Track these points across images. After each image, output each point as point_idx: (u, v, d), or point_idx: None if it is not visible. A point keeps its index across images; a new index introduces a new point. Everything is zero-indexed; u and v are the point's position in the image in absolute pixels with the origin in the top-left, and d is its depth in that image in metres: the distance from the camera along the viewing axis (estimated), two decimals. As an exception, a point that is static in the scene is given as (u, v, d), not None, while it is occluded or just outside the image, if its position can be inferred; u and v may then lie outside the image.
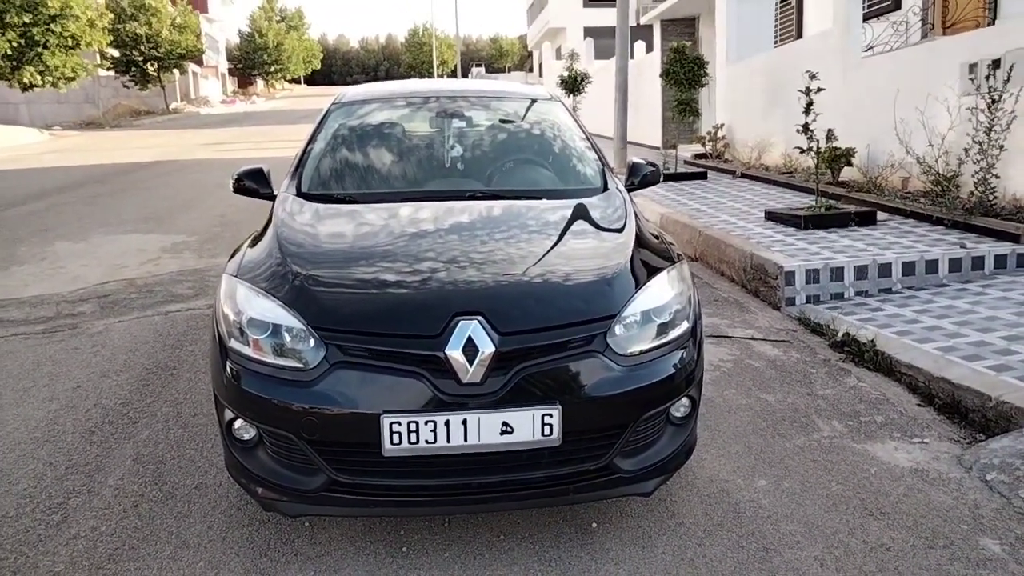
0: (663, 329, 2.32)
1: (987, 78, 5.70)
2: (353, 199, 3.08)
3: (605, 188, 3.20)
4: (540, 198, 3.06)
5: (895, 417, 3.25)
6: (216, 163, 14.24)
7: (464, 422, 2.07)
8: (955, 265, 5.01)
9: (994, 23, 7.83)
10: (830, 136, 6.34)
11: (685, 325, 2.38)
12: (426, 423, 2.06)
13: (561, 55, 18.62)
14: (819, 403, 3.41)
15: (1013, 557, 2.26)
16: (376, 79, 64.92)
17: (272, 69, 61.62)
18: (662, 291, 2.40)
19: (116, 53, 33.90)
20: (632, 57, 15.17)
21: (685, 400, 2.38)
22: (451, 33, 58.15)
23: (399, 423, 2.06)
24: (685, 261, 2.67)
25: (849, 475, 2.77)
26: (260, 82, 63.57)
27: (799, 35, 11.86)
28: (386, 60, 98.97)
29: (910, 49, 7.92)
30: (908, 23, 8.87)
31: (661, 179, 3.59)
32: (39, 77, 24.27)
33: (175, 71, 37.77)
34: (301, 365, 2.15)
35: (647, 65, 15.87)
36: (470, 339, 2.10)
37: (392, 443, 2.06)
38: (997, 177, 5.67)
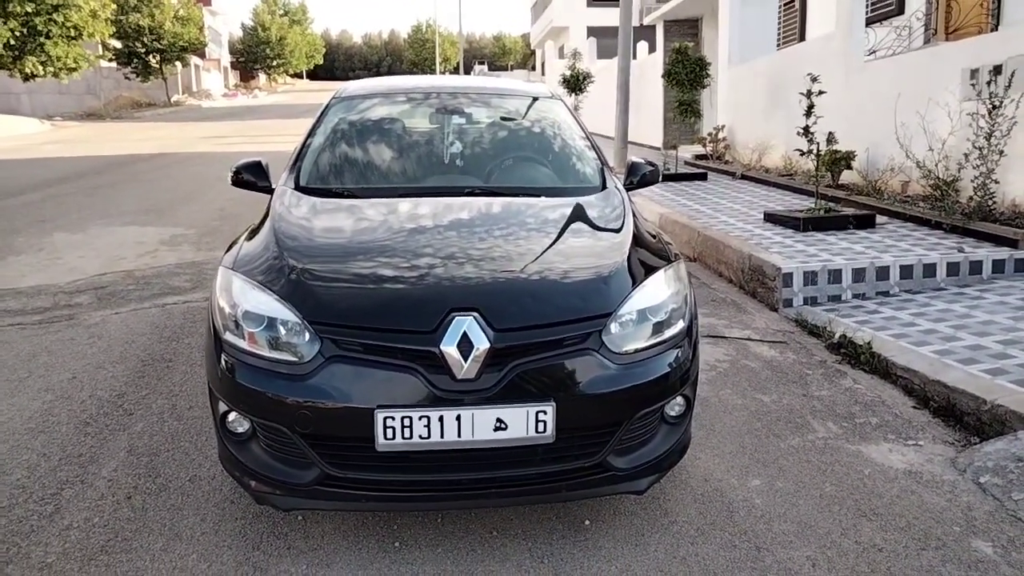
0: (659, 328, 2.32)
1: (988, 84, 5.70)
2: (351, 194, 3.08)
3: (604, 187, 3.20)
4: (538, 196, 3.06)
5: (890, 419, 3.25)
6: (216, 156, 14.22)
7: (458, 418, 2.07)
8: (953, 269, 5.01)
9: (997, 29, 7.83)
10: (831, 139, 6.34)
11: (681, 324, 2.38)
12: (420, 418, 2.06)
13: (564, 54, 18.62)
14: (814, 404, 3.41)
15: (1005, 560, 2.26)
16: (379, 75, 64.83)
17: (274, 63, 61.55)
18: (658, 290, 2.40)
19: (118, 44, 33.85)
20: (635, 57, 15.15)
21: (680, 399, 2.37)
22: (454, 30, 58.14)
23: (393, 418, 2.06)
24: (682, 260, 2.66)
25: (843, 476, 2.77)
26: (262, 76, 63.54)
27: (802, 38, 11.85)
28: (389, 56, 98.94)
29: (912, 54, 7.92)
30: (911, 28, 8.86)
31: (660, 179, 3.59)
32: (41, 67, 24.21)
33: (177, 64, 37.75)
34: (296, 359, 2.15)
35: (649, 66, 15.86)
36: (465, 335, 2.09)
37: (386, 438, 2.06)
38: (996, 182, 5.68)
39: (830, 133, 6.33)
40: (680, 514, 2.52)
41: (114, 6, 28.30)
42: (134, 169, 13.03)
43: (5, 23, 22.10)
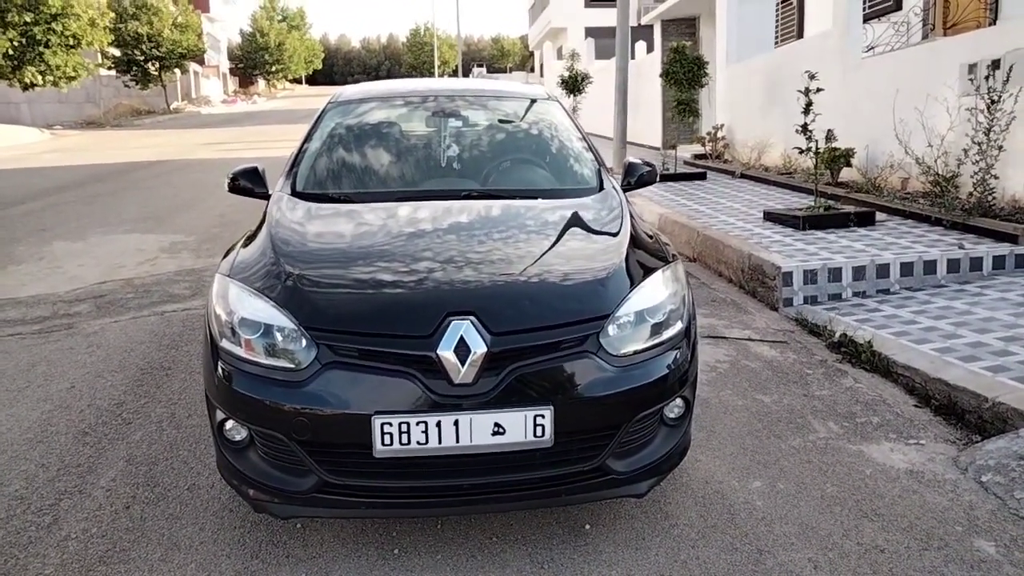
0: (657, 329, 2.30)
1: (987, 79, 5.68)
2: (348, 198, 3.07)
3: (601, 188, 3.19)
4: (535, 198, 3.04)
5: (891, 418, 3.24)
6: (216, 163, 14.23)
7: (456, 423, 2.06)
8: (953, 266, 5.00)
9: (995, 24, 7.81)
10: (829, 137, 6.33)
11: (679, 325, 2.37)
12: (417, 424, 2.05)
13: (562, 55, 18.61)
14: (815, 404, 3.40)
15: (1008, 559, 2.25)
16: (377, 79, 64.93)
17: (273, 69, 61.59)
18: (656, 291, 2.38)
19: (117, 52, 33.91)
20: (633, 57, 15.16)
21: (679, 401, 2.36)
22: (452, 33, 58.16)
23: (390, 424, 2.05)
24: (680, 261, 2.65)
25: (844, 476, 2.76)
26: (261, 82, 63.58)
27: (800, 35, 11.84)
28: (387, 60, 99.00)
29: (910, 49, 7.91)
30: (909, 24, 8.85)
31: (657, 179, 3.57)
32: (40, 76, 24.26)
33: (176, 71, 37.78)
34: (293, 365, 2.14)
35: (647, 65, 15.85)
36: (462, 339, 2.08)
37: (383, 444, 2.05)
38: (996, 178, 5.66)
39: (829, 130, 6.32)
40: (681, 517, 2.51)
41: (113, 14, 28.35)
42: (134, 177, 13.04)
43: (4, 33, 22.15)
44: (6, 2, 22.28)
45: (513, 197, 3.05)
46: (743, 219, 6.79)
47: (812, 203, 6.41)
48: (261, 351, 2.19)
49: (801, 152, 6.37)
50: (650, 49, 17.24)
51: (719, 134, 11.73)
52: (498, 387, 2.08)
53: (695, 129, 13.48)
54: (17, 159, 16.83)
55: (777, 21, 12.42)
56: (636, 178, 3.47)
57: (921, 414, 3.28)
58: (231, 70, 60.50)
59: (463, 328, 2.10)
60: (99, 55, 29.92)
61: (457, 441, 2.07)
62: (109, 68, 34.33)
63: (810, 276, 4.83)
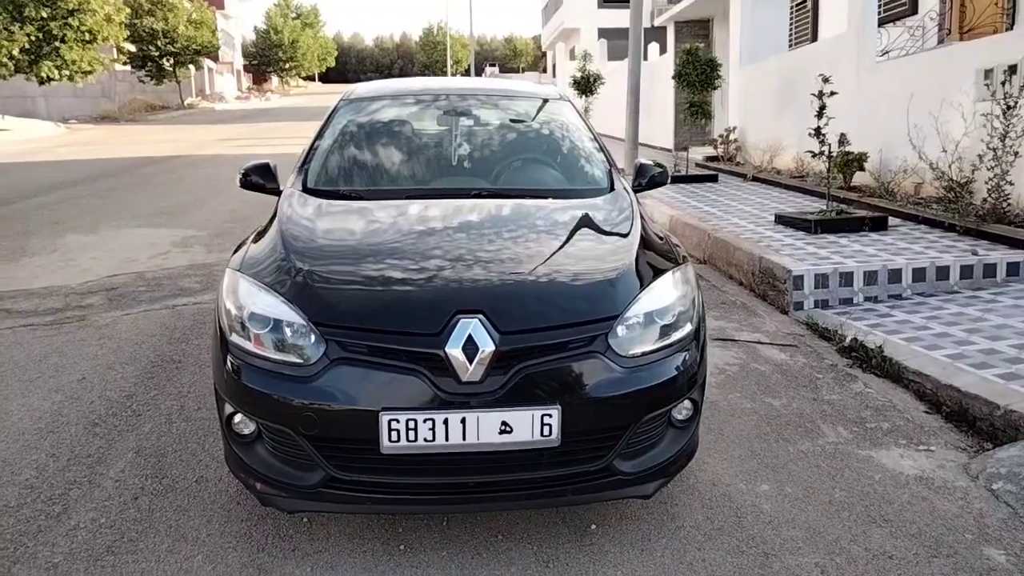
0: (666, 331, 2.30)
1: (1003, 84, 5.63)
2: (358, 195, 3.08)
3: (612, 189, 3.18)
4: (546, 198, 3.04)
5: (901, 424, 3.22)
6: (229, 159, 14.30)
7: (463, 421, 2.06)
8: (967, 272, 4.96)
9: (1012, 29, 7.75)
10: (843, 140, 6.29)
11: (688, 327, 2.36)
12: (425, 421, 2.05)
13: (575, 56, 18.58)
14: (825, 408, 3.38)
15: (1018, 568, 2.23)
16: (390, 77, 65.07)
17: (287, 66, 61.92)
18: (666, 293, 2.38)
19: (132, 48, 34.09)
20: (646, 59, 15.13)
21: (687, 403, 2.35)
22: (465, 32, 58.20)
23: (398, 420, 2.05)
24: (690, 263, 2.64)
25: (853, 481, 2.74)
26: (275, 79, 63.90)
27: (814, 38, 11.78)
28: (400, 59, 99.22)
29: (925, 54, 7.85)
30: (924, 28, 8.79)
31: (668, 180, 3.57)
32: (56, 71, 24.45)
33: (190, 67, 38.03)
34: (301, 361, 2.15)
35: (660, 67, 15.82)
36: (470, 337, 2.08)
37: (390, 440, 2.06)
38: (1011, 184, 5.61)
39: (842, 134, 6.29)
40: (687, 519, 2.50)
41: (128, 10, 28.56)
42: (147, 171, 13.13)
43: (22, 28, 22.35)
44: (24, -3, 22.49)
45: (523, 196, 3.05)
46: (754, 222, 6.76)
47: (824, 207, 6.37)
48: (270, 346, 2.20)
49: (814, 156, 6.34)
50: (663, 51, 17.20)
51: (731, 136, 11.69)
52: (506, 386, 2.08)
53: (707, 131, 13.44)
54: (33, 152, 16.98)
55: (791, 23, 12.36)
56: (647, 179, 3.46)
57: (932, 420, 3.25)
58: (245, 67, 60.81)
59: (471, 326, 2.10)
60: (115, 50, 30.11)
61: (464, 439, 2.07)
62: (124, 63, 34.56)
63: (821, 280, 4.80)
